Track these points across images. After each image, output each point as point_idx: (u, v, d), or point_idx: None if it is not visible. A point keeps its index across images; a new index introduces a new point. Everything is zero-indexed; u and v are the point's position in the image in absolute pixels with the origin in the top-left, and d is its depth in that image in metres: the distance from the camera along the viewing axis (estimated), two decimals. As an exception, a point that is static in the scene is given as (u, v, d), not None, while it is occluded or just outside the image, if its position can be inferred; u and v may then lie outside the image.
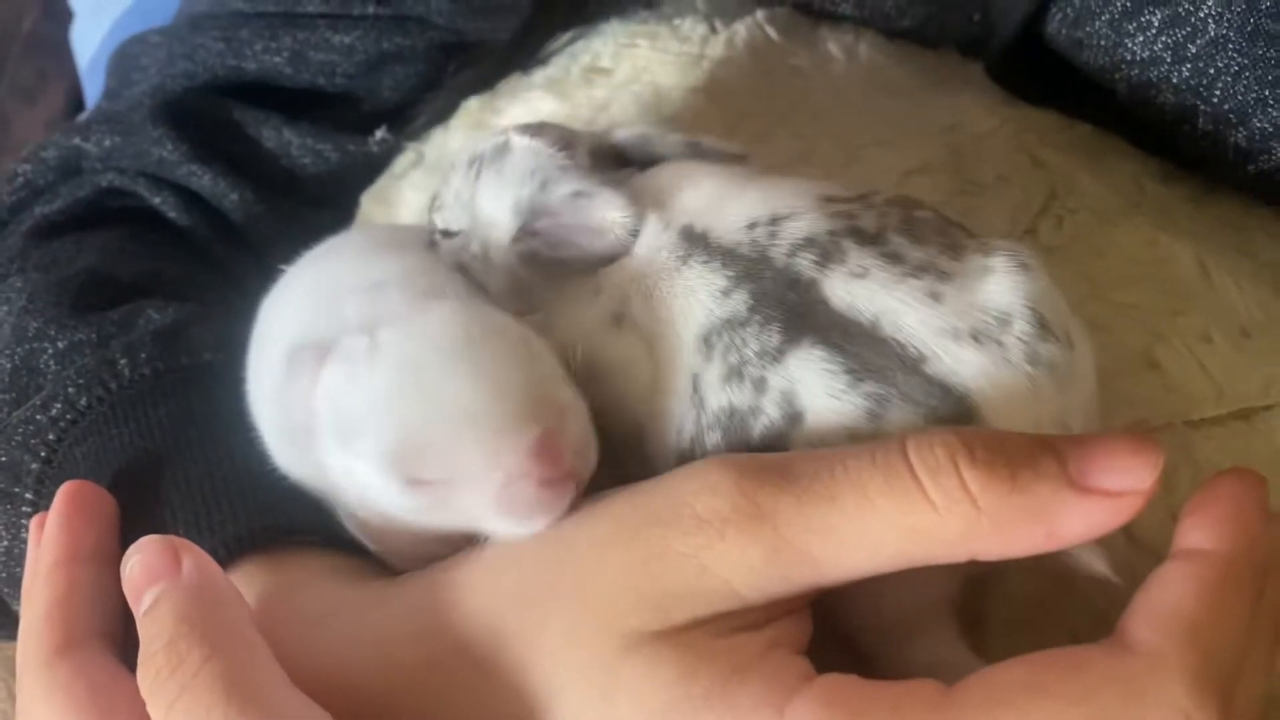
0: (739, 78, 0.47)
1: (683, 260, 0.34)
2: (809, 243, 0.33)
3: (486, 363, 0.32)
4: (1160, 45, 0.41)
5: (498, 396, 0.31)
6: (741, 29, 0.49)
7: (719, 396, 0.32)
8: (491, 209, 0.38)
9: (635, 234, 0.35)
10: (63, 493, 0.38)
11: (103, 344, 0.45)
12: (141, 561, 0.32)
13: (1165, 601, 0.28)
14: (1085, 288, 0.39)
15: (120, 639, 0.35)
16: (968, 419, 0.31)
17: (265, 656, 0.30)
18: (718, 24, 0.49)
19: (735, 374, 0.32)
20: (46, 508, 0.39)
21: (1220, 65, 0.41)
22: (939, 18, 0.48)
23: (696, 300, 0.33)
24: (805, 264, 0.32)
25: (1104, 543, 0.30)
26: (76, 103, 0.88)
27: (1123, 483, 0.28)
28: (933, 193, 0.41)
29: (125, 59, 0.60)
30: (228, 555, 0.36)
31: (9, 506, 0.43)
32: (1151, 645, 0.28)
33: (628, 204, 0.35)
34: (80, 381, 0.43)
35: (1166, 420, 0.36)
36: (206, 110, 0.56)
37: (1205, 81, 0.41)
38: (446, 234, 0.39)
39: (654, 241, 0.35)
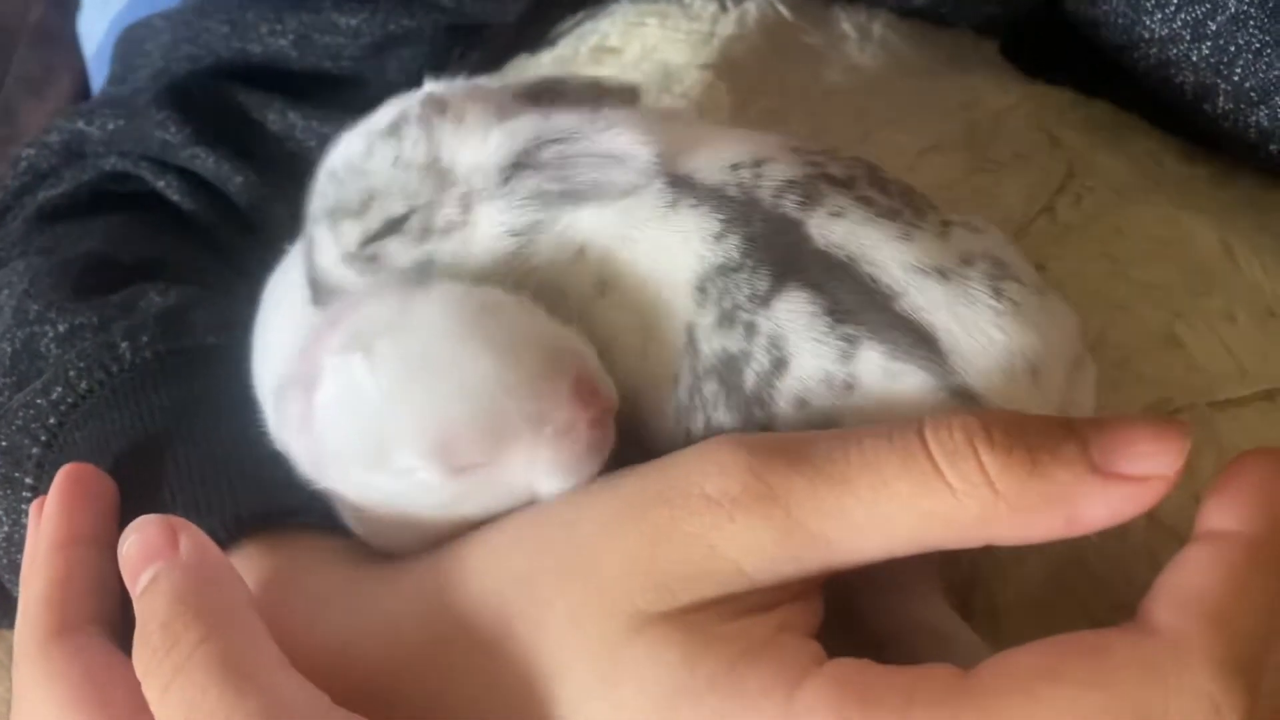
0: (750, 56, 0.46)
1: (670, 205, 0.33)
2: (791, 184, 0.32)
3: (495, 330, 0.31)
4: (1179, 23, 0.40)
5: (520, 359, 0.31)
6: (752, 7, 0.48)
7: (713, 343, 0.32)
8: (474, 154, 0.34)
9: (661, 165, 0.33)
10: (61, 475, 0.37)
11: (104, 327, 0.45)
12: (139, 540, 0.31)
13: (1189, 584, 0.28)
14: (1105, 266, 0.38)
15: (118, 624, 0.35)
16: (934, 358, 0.30)
17: (263, 637, 0.30)
18: (728, 2, 0.48)
19: (728, 319, 0.32)
20: (47, 492, 0.39)
21: (1241, 43, 0.40)
22: None
23: (689, 246, 0.32)
24: (790, 205, 0.32)
25: (1124, 526, 0.29)
26: (84, 94, 0.87)
27: (1146, 468, 0.27)
28: (949, 171, 0.40)
29: (130, 44, 0.59)
30: (227, 536, 0.35)
31: (9, 491, 0.42)
32: (1175, 629, 0.27)
33: (648, 130, 0.33)
34: (81, 365, 0.42)
35: (1189, 401, 0.36)
36: (211, 93, 0.55)
37: (1226, 59, 0.40)
38: (390, 226, 0.34)
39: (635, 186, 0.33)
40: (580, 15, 0.52)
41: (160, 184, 0.54)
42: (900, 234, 0.31)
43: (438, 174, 0.34)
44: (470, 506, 0.32)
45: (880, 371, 0.30)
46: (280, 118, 0.55)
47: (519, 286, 0.34)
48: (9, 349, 0.46)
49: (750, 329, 0.31)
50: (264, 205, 0.54)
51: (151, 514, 0.32)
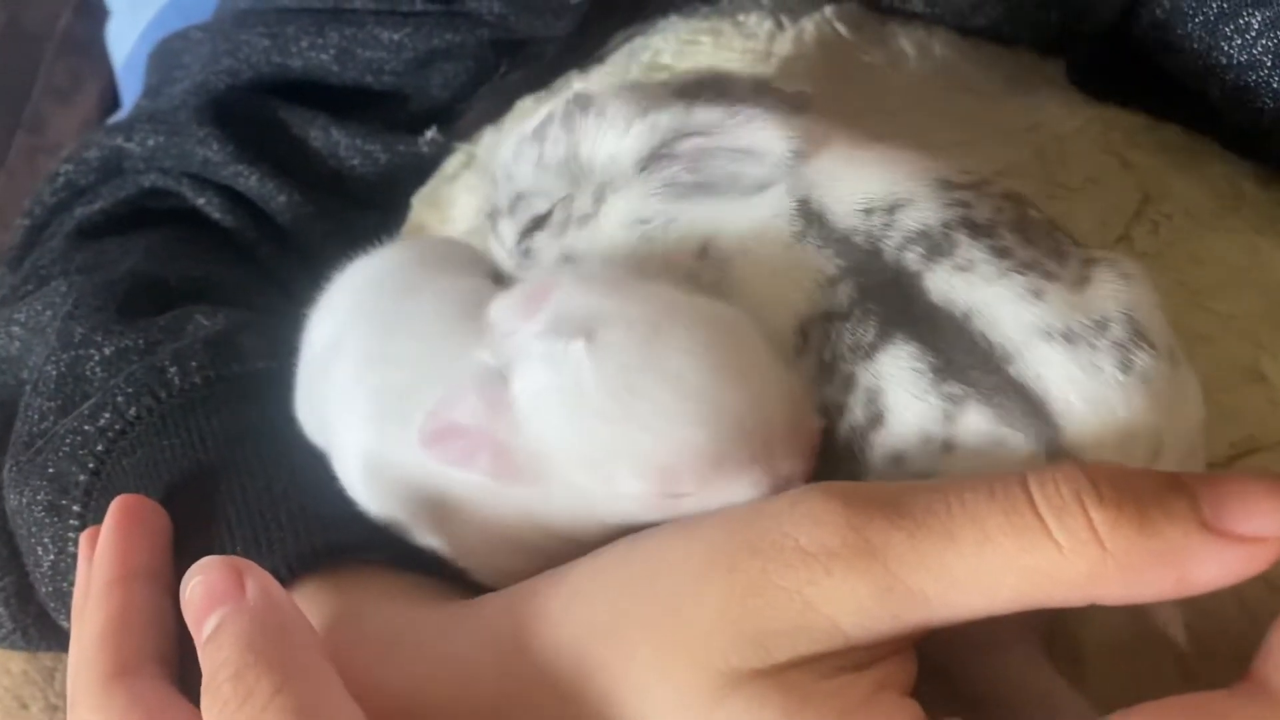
0: (809, 76, 0.45)
1: (798, 237, 0.32)
2: (922, 235, 0.31)
3: (736, 358, 0.29)
4: (1260, 49, 0.39)
5: (761, 397, 0.29)
6: (810, 25, 0.47)
7: (812, 392, 0.31)
8: (613, 145, 0.34)
9: (797, 162, 0.33)
10: (115, 508, 0.36)
11: (150, 350, 0.44)
12: (203, 584, 0.31)
13: None
14: (1184, 296, 0.37)
15: (175, 662, 0.34)
16: (1045, 428, 0.29)
17: (337, 687, 0.29)
18: (784, 19, 0.48)
19: (828, 369, 0.31)
20: (94, 521, 0.38)
21: None
22: (1014, 15, 0.46)
23: (800, 286, 0.32)
24: (913, 257, 0.31)
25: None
26: (112, 102, 0.87)
27: (1261, 528, 0.26)
28: (1021, 197, 0.39)
29: (167, 55, 0.59)
30: (289, 574, 0.34)
31: (56, 519, 0.42)
32: None
33: (789, 125, 0.33)
34: (129, 390, 0.42)
35: (1276, 439, 0.35)
36: (252, 109, 0.54)
37: None
38: (536, 223, 0.36)
39: (773, 203, 0.33)
40: (630, 31, 0.51)
41: (200, 201, 0.53)
42: (1029, 290, 0.30)
43: (576, 167, 0.35)
44: (636, 523, 0.30)
45: (984, 437, 0.29)
46: (323, 135, 0.54)
47: (640, 273, 0.33)
48: (54, 372, 0.45)
49: (849, 381, 0.31)
50: (306, 224, 0.53)
51: (214, 555, 0.31)
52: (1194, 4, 0.41)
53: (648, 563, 0.29)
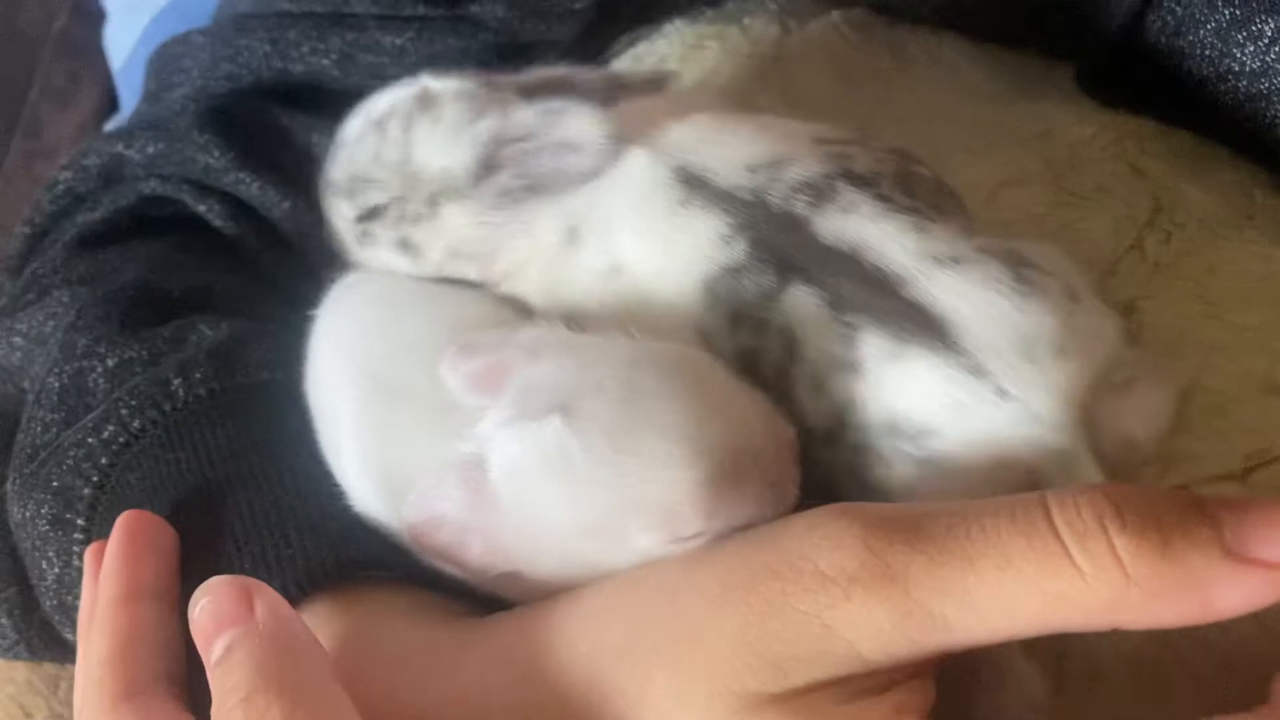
0: (816, 81, 0.45)
1: (682, 203, 0.34)
2: (806, 185, 0.33)
3: (711, 392, 0.30)
4: (1273, 56, 0.39)
5: (748, 424, 0.30)
6: (816, 29, 0.47)
7: (729, 341, 0.33)
8: (442, 157, 0.37)
9: (615, 147, 0.35)
10: (120, 525, 0.36)
11: (154, 362, 0.43)
12: (211, 605, 0.30)
13: None
14: (1199, 307, 0.37)
15: (184, 681, 0.34)
16: (940, 340, 0.30)
17: (348, 711, 0.28)
18: (791, 24, 0.47)
19: (738, 318, 0.33)
20: (99, 535, 0.38)
21: None
22: (1023, 20, 0.46)
23: (697, 247, 0.33)
24: (800, 205, 0.33)
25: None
26: (110, 104, 0.86)
27: None
28: (1032, 205, 0.39)
29: (166, 60, 0.58)
30: (299, 593, 0.34)
31: (60, 533, 0.41)
32: None
33: (602, 114, 0.35)
34: (133, 403, 0.41)
35: (1292, 450, 0.34)
36: (253, 115, 0.54)
37: None
38: (373, 212, 0.38)
39: (645, 177, 0.35)
40: (634, 35, 0.50)
41: (201, 208, 0.53)
42: (913, 226, 0.32)
43: (409, 172, 0.37)
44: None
45: (884, 355, 0.31)
46: (324, 140, 0.53)
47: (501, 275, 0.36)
48: (56, 384, 0.44)
49: (760, 326, 0.33)
50: (308, 231, 0.53)
51: (222, 575, 0.31)
52: (1205, 10, 0.40)
53: (664, 585, 0.29)
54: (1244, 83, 0.40)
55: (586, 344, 0.31)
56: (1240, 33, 0.40)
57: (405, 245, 0.38)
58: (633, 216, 0.35)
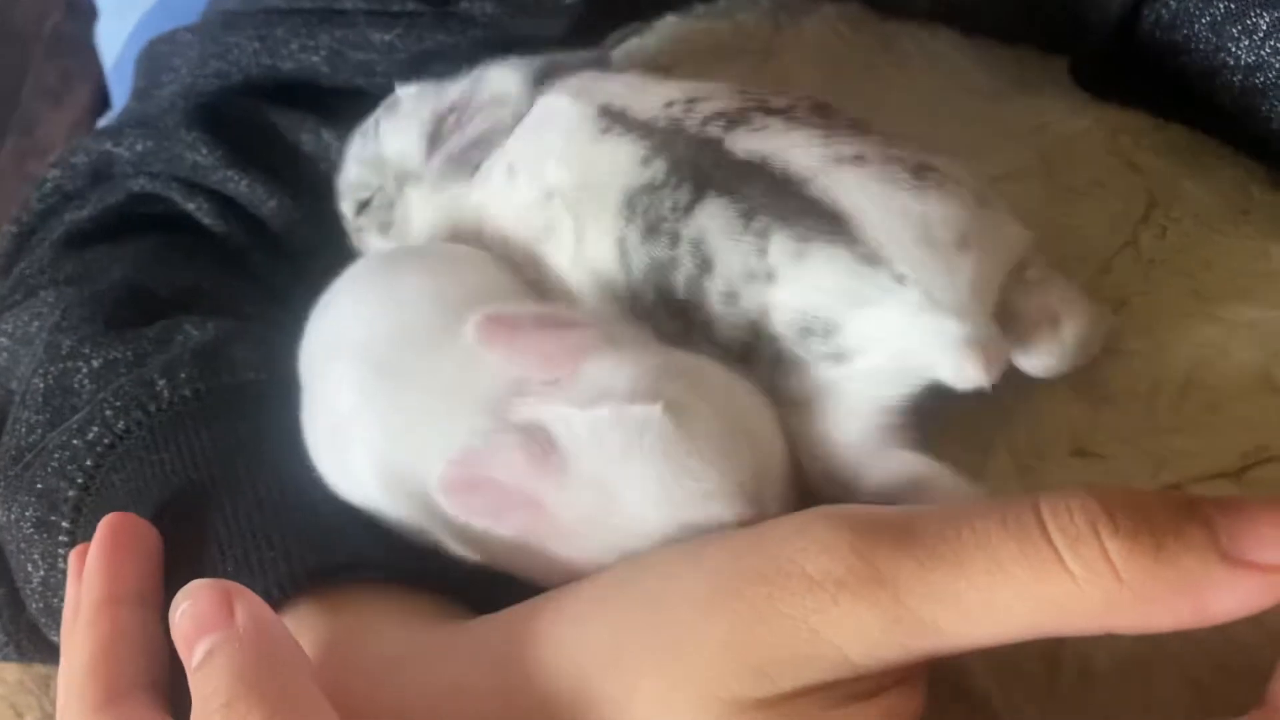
0: (810, 77, 0.45)
1: (603, 131, 0.37)
2: (719, 114, 0.35)
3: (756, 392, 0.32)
4: (1268, 50, 0.39)
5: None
6: (809, 25, 0.46)
7: (642, 254, 0.35)
8: (400, 143, 0.41)
9: (537, 89, 0.39)
10: (104, 528, 0.35)
11: (139, 362, 0.43)
12: (191, 610, 0.30)
13: None
14: (1194, 303, 0.36)
15: (166, 685, 0.33)
16: (842, 233, 0.31)
17: (329, 716, 0.28)
18: (783, 20, 0.47)
19: (653, 231, 0.34)
20: (84, 537, 0.37)
21: None
22: (1018, 14, 0.46)
23: (618, 168, 0.36)
24: (714, 129, 0.35)
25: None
26: (102, 102, 0.86)
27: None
28: (1027, 200, 0.38)
29: (155, 58, 0.58)
30: (281, 595, 0.33)
31: (45, 535, 0.41)
32: None
33: (515, 66, 0.40)
34: (118, 404, 0.41)
35: (1290, 449, 0.34)
36: (242, 113, 0.53)
37: None
38: (361, 206, 0.43)
39: (570, 114, 0.38)
40: (626, 32, 0.50)
41: (190, 206, 0.52)
42: (820, 136, 0.33)
43: (382, 163, 0.42)
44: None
45: (792, 254, 0.32)
46: (314, 138, 0.53)
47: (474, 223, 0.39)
48: (41, 385, 0.44)
49: (674, 238, 0.34)
50: (298, 229, 0.53)
51: (203, 579, 0.31)
52: (1200, 4, 0.40)
53: (650, 588, 0.28)
54: (1239, 77, 0.40)
55: (651, 346, 0.33)
56: (1235, 26, 0.39)
57: (386, 227, 0.43)
58: (559, 144, 0.37)
